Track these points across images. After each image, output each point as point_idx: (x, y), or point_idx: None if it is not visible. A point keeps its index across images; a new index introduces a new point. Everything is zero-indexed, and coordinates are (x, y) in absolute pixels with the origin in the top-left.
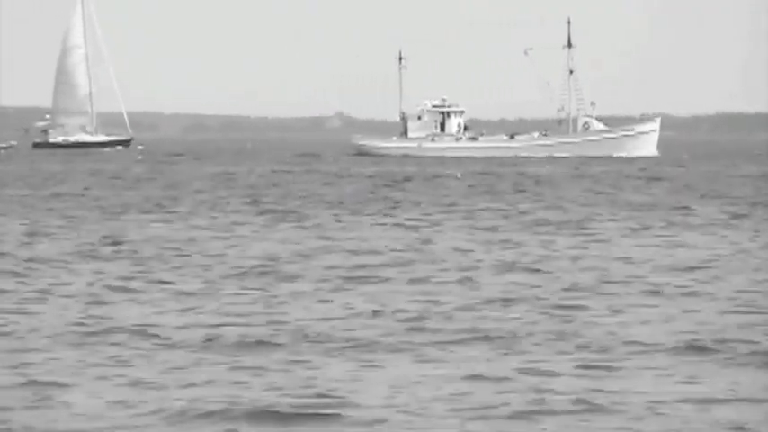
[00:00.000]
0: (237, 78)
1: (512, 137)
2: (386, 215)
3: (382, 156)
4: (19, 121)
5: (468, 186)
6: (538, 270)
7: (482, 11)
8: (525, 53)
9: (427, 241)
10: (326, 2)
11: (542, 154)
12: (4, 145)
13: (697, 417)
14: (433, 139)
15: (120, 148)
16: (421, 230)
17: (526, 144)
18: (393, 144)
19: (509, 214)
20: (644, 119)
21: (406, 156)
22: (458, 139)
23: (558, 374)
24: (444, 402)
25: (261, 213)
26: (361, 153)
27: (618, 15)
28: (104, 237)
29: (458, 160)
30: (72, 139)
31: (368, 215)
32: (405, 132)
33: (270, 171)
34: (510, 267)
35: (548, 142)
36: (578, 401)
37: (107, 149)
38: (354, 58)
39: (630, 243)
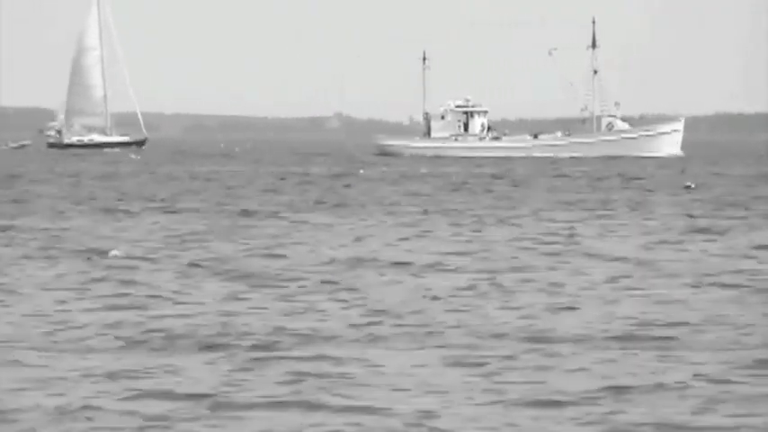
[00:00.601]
0: (237, 78)
1: (535, 136)
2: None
3: (407, 156)
4: (18, 121)
5: (450, 185)
6: (436, 268)
7: (483, 11)
8: (549, 53)
9: (358, 241)
10: (327, 2)
11: (565, 154)
12: (14, 145)
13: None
14: (456, 139)
15: (118, 150)
16: (355, 230)
17: (549, 143)
18: (417, 144)
19: (461, 213)
20: (666, 119)
21: (432, 156)
22: (481, 139)
23: (437, 369)
24: (332, 399)
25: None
26: (385, 153)
27: (619, 15)
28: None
29: (455, 159)
30: (86, 139)
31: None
32: (428, 132)
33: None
34: (413, 266)
35: (572, 141)
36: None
37: (121, 149)
38: (355, 58)
39: (557, 243)
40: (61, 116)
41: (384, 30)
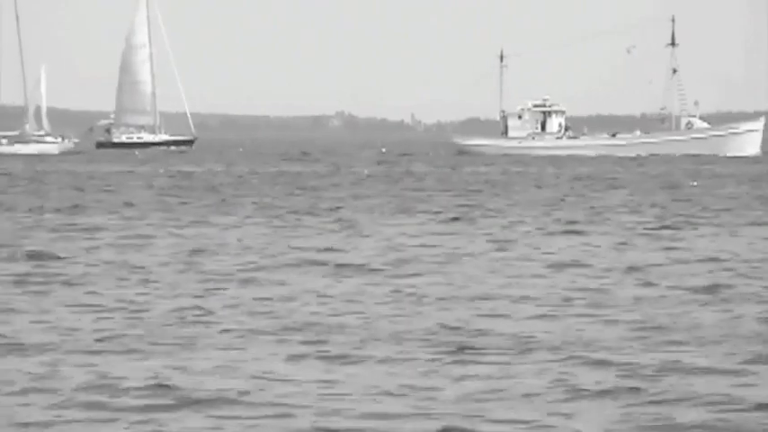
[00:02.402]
0: (238, 78)
1: (613, 135)
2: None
3: (485, 155)
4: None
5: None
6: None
7: None
8: (628, 51)
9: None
10: (327, 2)
11: (643, 152)
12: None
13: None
14: (533, 138)
15: (183, 147)
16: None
17: (628, 142)
18: (495, 143)
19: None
20: (748, 118)
21: (507, 155)
22: (558, 138)
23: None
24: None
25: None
26: (463, 152)
27: (618, 14)
28: None
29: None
30: (135, 137)
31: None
32: (505, 131)
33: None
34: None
35: (651, 140)
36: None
37: (170, 148)
38: (356, 58)
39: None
40: (111, 114)
41: (385, 30)
